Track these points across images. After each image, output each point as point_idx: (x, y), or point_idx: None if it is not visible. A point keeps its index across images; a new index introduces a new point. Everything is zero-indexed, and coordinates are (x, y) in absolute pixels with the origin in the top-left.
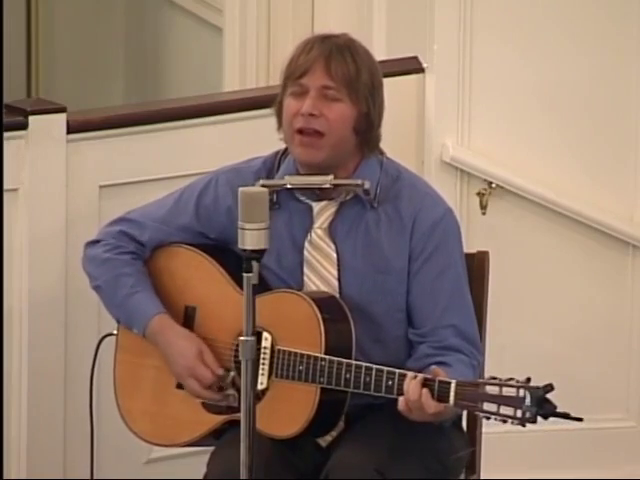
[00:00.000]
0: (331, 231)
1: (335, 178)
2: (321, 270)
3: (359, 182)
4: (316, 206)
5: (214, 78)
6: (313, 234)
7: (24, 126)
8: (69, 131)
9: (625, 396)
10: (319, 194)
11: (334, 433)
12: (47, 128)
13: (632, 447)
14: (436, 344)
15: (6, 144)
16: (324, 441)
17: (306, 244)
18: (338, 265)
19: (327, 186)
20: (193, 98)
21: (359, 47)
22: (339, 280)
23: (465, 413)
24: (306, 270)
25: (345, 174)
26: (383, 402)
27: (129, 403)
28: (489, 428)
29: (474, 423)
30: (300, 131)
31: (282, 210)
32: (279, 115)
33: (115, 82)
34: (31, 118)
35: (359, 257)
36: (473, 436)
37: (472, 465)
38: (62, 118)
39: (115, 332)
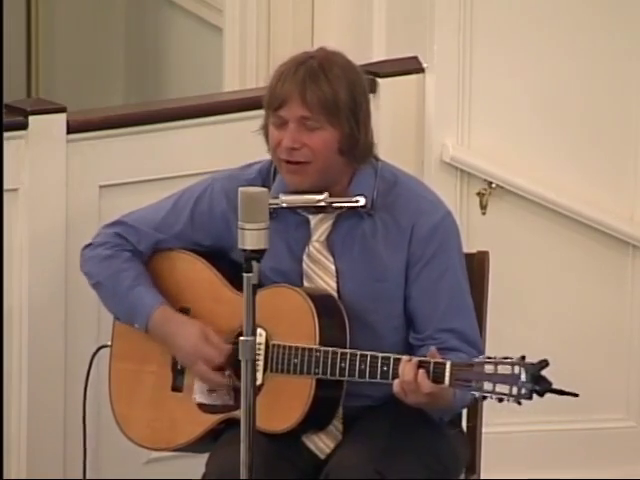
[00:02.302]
0: (329, 244)
1: (331, 194)
2: (320, 283)
3: (354, 199)
4: (313, 219)
5: (214, 78)
6: (311, 247)
7: (24, 126)
8: (69, 131)
9: (625, 396)
10: (315, 206)
11: (331, 444)
12: (47, 128)
13: (632, 447)
14: (435, 346)
15: (6, 144)
16: (321, 452)
17: (304, 257)
18: (337, 277)
19: (323, 204)
20: (193, 98)
21: (335, 64)
22: (338, 292)
23: (465, 413)
24: (305, 283)
25: (340, 188)
26: (382, 403)
27: (125, 410)
28: (489, 428)
29: (474, 423)
30: (287, 162)
31: (278, 220)
32: (267, 138)
33: (115, 82)
34: (31, 118)
35: (357, 267)
36: (473, 436)
37: (472, 465)
38: (62, 118)
39: (109, 343)
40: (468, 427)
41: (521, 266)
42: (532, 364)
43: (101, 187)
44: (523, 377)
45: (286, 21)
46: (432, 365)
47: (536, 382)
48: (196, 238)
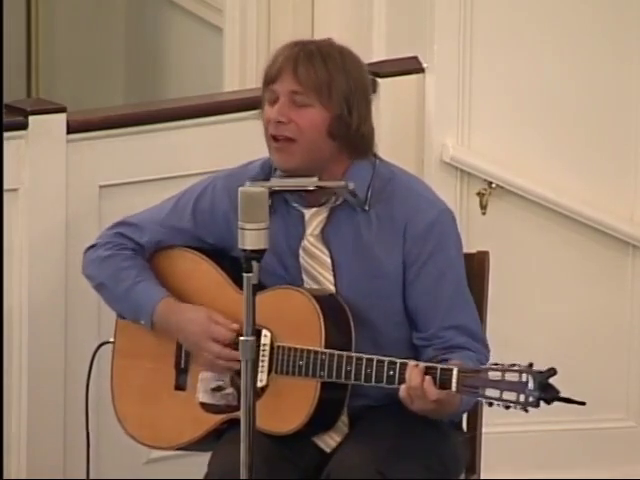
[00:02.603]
0: (324, 237)
1: (320, 180)
2: (317, 276)
3: (342, 183)
4: (307, 213)
5: (214, 78)
6: (306, 241)
7: (24, 126)
8: (69, 131)
9: (625, 396)
10: (309, 199)
11: (338, 438)
12: (47, 128)
13: (632, 447)
14: (441, 345)
15: (6, 144)
16: (328, 446)
17: (300, 251)
18: (333, 270)
19: (311, 188)
20: (193, 98)
21: (335, 52)
22: (335, 285)
23: (465, 414)
24: (304, 277)
25: (333, 178)
26: (383, 403)
27: (127, 408)
28: (489, 428)
29: (474, 423)
30: (274, 138)
31: (277, 215)
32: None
33: (115, 82)
34: (31, 118)
35: (353, 261)
36: (473, 436)
37: (472, 465)
38: (62, 118)
39: (112, 340)
40: (468, 427)
41: (521, 266)
42: (540, 372)
43: (101, 187)
44: (530, 385)
45: (286, 21)
46: (439, 371)
47: (543, 390)
48: (199, 235)
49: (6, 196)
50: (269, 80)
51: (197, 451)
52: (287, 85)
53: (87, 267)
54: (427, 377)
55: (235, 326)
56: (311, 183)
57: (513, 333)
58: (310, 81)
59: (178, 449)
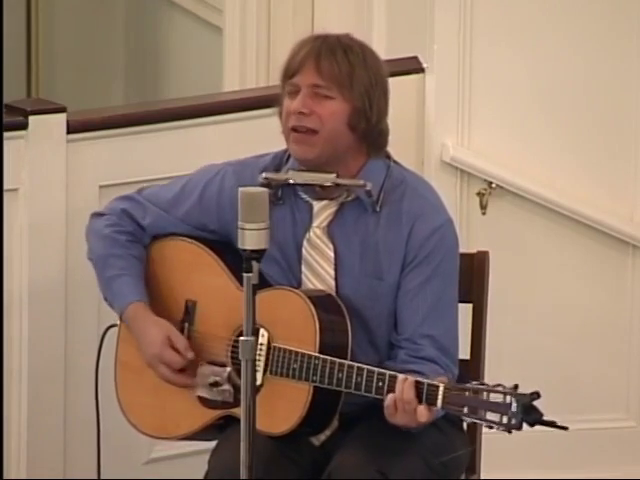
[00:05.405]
0: (330, 231)
1: (338, 177)
2: (318, 269)
3: (361, 183)
4: (316, 205)
5: (214, 78)
6: (312, 233)
7: (24, 126)
8: (69, 131)
9: (625, 396)
10: (320, 192)
11: (327, 432)
12: (47, 128)
13: (632, 447)
14: (413, 353)
15: (6, 144)
16: (317, 440)
17: (304, 243)
18: (335, 265)
19: (329, 184)
20: (193, 98)
21: (356, 46)
22: (336, 280)
23: None
24: (304, 269)
25: (348, 174)
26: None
27: (129, 396)
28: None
29: (474, 424)
30: (294, 129)
31: (285, 205)
32: (281, 115)
33: (115, 82)
34: (31, 118)
35: (356, 260)
36: (473, 436)
37: (472, 465)
38: (62, 118)
39: (118, 323)
40: (468, 427)
41: (521, 266)
42: (523, 395)
43: (101, 187)
44: (514, 407)
45: (286, 21)
46: (426, 386)
47: (527, 413)
48: (203, 220)
49: (6, 196)
50: (290, 74)
51: (199, 440)
52: (309, 78)
53: (89, 235)
54: (422, 405)
55: (191, 355)
56: (329, 179)
57: (513, 333)
58: (332, 74)
59: (179, 439)
